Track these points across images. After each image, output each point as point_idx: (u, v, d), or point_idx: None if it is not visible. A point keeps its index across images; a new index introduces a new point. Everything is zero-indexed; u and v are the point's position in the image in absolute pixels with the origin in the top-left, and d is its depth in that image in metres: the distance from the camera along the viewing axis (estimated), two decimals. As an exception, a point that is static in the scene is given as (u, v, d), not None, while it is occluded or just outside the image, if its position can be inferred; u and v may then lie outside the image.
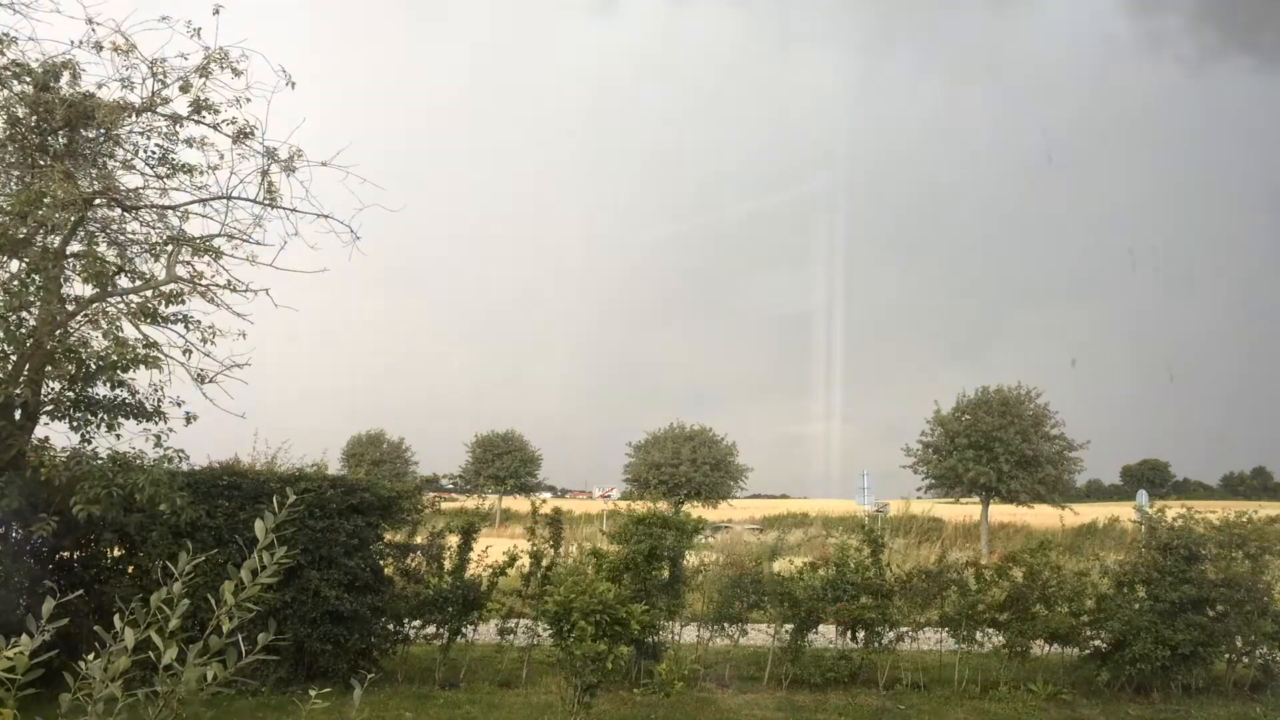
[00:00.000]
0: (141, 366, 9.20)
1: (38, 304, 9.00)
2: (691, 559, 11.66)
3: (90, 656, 2.67)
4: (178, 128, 9.66)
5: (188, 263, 9.95)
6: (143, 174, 9.98)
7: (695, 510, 37.40)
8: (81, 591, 6.73)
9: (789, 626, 11.33)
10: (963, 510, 37.05)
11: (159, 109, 9.47)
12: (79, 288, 9.41)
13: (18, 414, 9.21)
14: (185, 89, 9.22)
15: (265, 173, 9.47)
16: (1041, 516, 36.33)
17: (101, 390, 9.64)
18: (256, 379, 9.86)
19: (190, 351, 9.58)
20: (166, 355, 9.47)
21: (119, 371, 9.25)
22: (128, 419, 9.78)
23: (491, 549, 11.43)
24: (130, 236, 9.97)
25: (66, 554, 10.22)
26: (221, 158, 9.64)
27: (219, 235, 9.85)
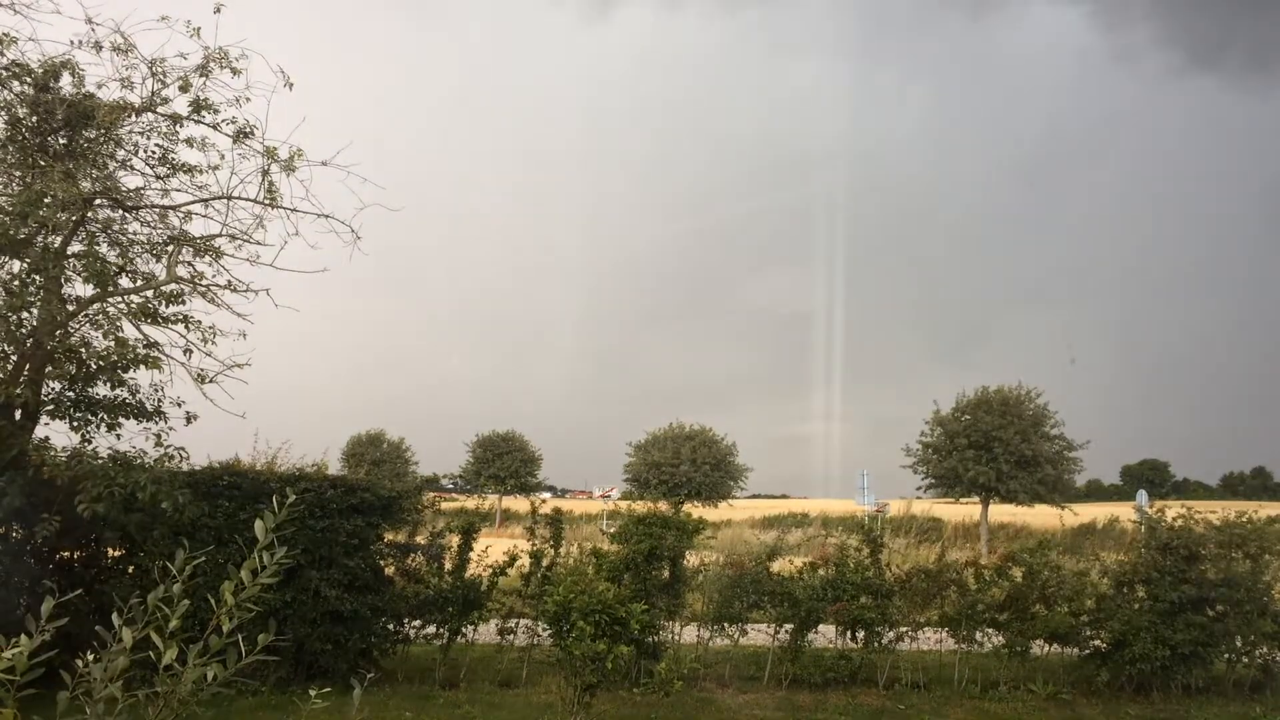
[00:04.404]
0: (142, 366, 9.22)
1: (38, 304, 9.00)
2: (691, 559, 11.65)
3: (89, 656, 2.67)
4: (178, 127, 9.67)
5: (188, 263, 9.96)
6: (143, 174, 10.00)
7: (695, 510, 37.36)
8: (81, 591, 6.72)
9: (789, 626, 11.32)
10: (962, 510, 37.05)
11: (159, 109, 9.48)
12: (79, 288, 9.43)
13: (18, 414, 9.22)
14: (185, 89, 9.23)
15: (265, 172, 9.47)
16: (1041, 516, 36.30)
17: (102, 390, 9.65)
18: (257, 379, 9.88)
19: (190, 351, 9.60)
20: (167, 355, 9.50)
21: (119, 371, 9.26)
22: (128, 419, 9.79)
23: (491, 549, 11.43)
24: (131, 236, 9.98)
25: (67, 554, 10.20)
26: (222, 158, 9.67)
27: (220, 235, 9.86)
